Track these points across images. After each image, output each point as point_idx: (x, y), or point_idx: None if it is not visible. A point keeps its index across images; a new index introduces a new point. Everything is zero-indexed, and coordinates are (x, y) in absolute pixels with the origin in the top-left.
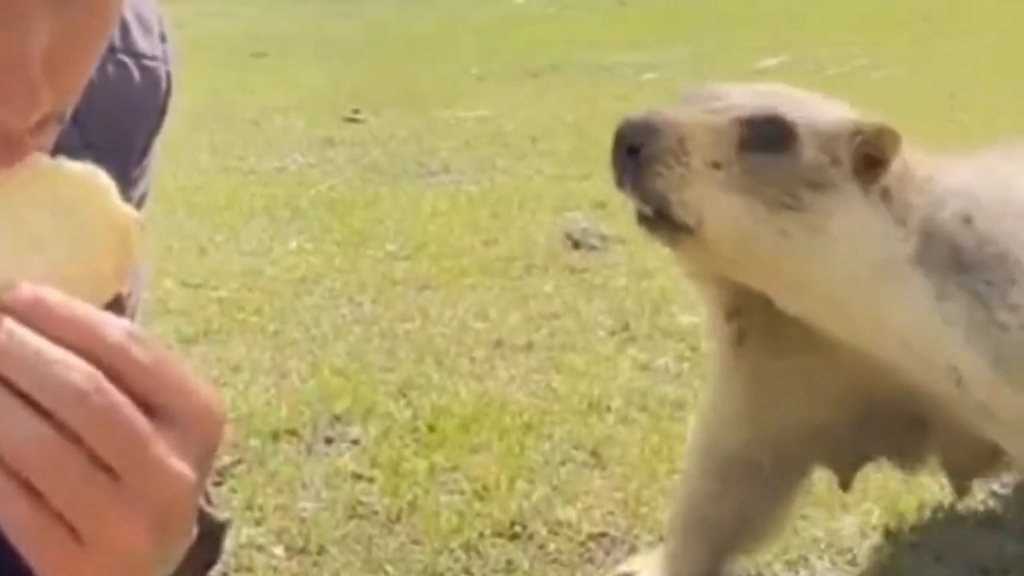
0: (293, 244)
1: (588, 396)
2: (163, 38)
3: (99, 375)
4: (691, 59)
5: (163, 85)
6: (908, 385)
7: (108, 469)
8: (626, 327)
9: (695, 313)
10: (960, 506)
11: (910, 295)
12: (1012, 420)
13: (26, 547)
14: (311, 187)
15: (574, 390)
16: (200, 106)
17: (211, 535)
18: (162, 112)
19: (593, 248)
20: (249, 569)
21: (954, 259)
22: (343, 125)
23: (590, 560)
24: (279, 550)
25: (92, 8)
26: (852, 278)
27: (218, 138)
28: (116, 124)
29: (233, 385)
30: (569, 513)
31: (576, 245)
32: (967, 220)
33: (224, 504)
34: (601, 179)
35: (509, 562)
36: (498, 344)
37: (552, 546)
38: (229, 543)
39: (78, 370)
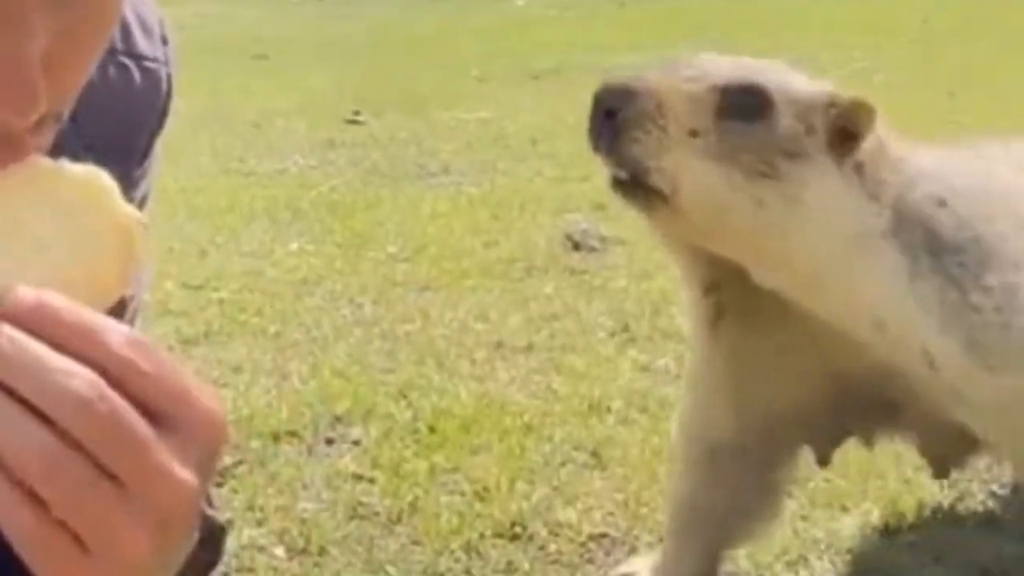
0: (294, 246)
1: (588, 397)
2: (164, 40)
3: (101, 382)
4: None
5: (164, 87)
6: (881, 364)
7: (111, 476)
8: (626, 328)
9: None
10: (959, 507)
11: (883, 270)
12: (983, 403)
13: (30, 555)
14: (312, 189)
15: (574, 391)
16: (201, 108)
17: (212, 537)
18: (163, 113)
19: (593, 250)
20: (250, 570)
21: (928, 240)
22: (344, 127)
23: (590, 561)
24: (280, 551)
25: (91, 10)
26: (826, 249)
27: (219, 140)
28: (117, 125)
29: (234, 386)
30: (569, 514)
31: (576, 247)
32: (941, 203)
33: (225, 505)
34: (601, 181)
35: (509, 563)
36: (499, 345)
37: (552, 547)
38: (230, 544)
39: (80, 377)
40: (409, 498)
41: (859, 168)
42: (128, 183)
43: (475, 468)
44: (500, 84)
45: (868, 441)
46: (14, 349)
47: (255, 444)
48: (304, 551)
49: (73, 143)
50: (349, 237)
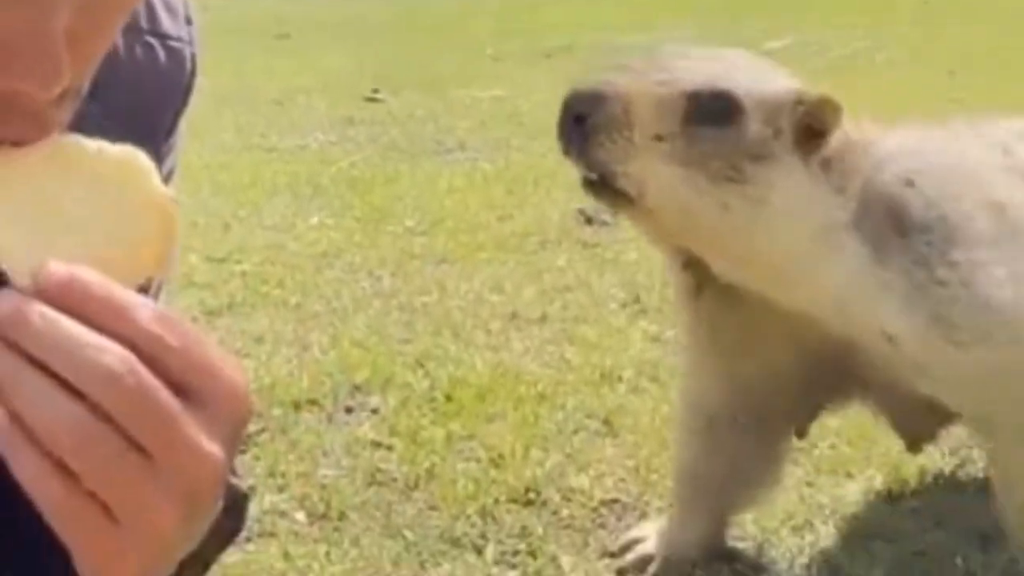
0: (315, 220)
1: (600, 367)
2: (188, 20)
3: (131, 357)
4: (699, 40)
5: (188, 66)
6: (846, 340)
7: (140, 449)
8: (637, 300)
9: None
10: (960, 473)
11: (847, 261)
12: (947, 376)
13: (60, 525)
14: (332, 165)
15: (587, 361)
16: (225, 87)
17: (236, 505)
18: (187, 92)
19: (605, 224)
20: (272, 534)
21: (894, 222)
22: (363, 105)
23: (602, 526)
24: (301, 516)
25: None
26: (790, 247)
27: (242, 118)
28: (143, 103)
29: (256, 356)
30: (582, 480)
31: (588, 221)
32: (909, 183)
33: (248, 471)
34: None
35: (524, 528)
36: (513, 317)
37: (565, 512)
38: (253, 509)
39: (110, 352)
40: (426, 465)
41: (826, 163)
42: (154, 159)
43: (490, 436)
44: (514, 63)
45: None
46: (45, 324)
47: (277, 412)
48: (324, 516)
49: (99, 120)
50: (368, 211)
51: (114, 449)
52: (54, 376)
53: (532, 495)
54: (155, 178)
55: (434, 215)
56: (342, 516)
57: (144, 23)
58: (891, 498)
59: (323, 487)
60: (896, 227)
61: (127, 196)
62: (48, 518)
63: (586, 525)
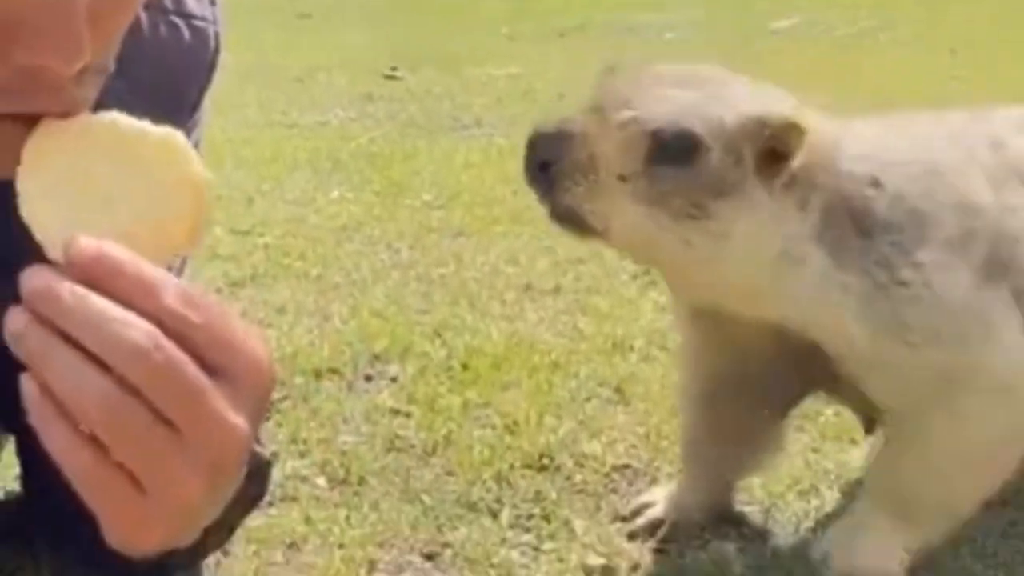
0: (335, 194)
1: (612, 336)
2: (212, 1)
3: (158, 332)
4: (709, 20)
5: (212, 44)
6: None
7: (167, 422)
8: (647, 271)
9: None
10: None
11: (810, 272)
12: (894, 375)
13: (89, 495)
14: (352, 141)
15: (599, 331)
16: (248, 65)
17: (259, 472)
18: (211, 69)
19: None
20: (294, 499)
21: (857, 224)
22: (382, 82)
23: (614, 490)
24: (322, 481)
25: None
26: (754, 272)
27: (264, 95)
28: (168, 79)
29: (278, 326)
30: (594, 446)
31: None
32: (875, 183)
33: (270, 438)
34: None
35: (538, 492)
36: (527, 288)
37: (578, 477)
38: (275, 474)
39: (138, 328)
40: (443, 431)
41: (789, 181)
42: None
43: (505, 403)
44: (528, 42)
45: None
46: (75, 300)
47: (298, 381)
48: (344, 481)
49: (124, 95)
50: (387, 186)
51: (142, 422)
52: (84, 351)
53: (546, 461)
54: (193, 159)
55: (451, 189)
56: (362, 481)
57: (169, 3)
58: None
59: (343, 453)
60: (858, 229)
61: (164, 175)
62: (77, 488)
63: (598, 490)
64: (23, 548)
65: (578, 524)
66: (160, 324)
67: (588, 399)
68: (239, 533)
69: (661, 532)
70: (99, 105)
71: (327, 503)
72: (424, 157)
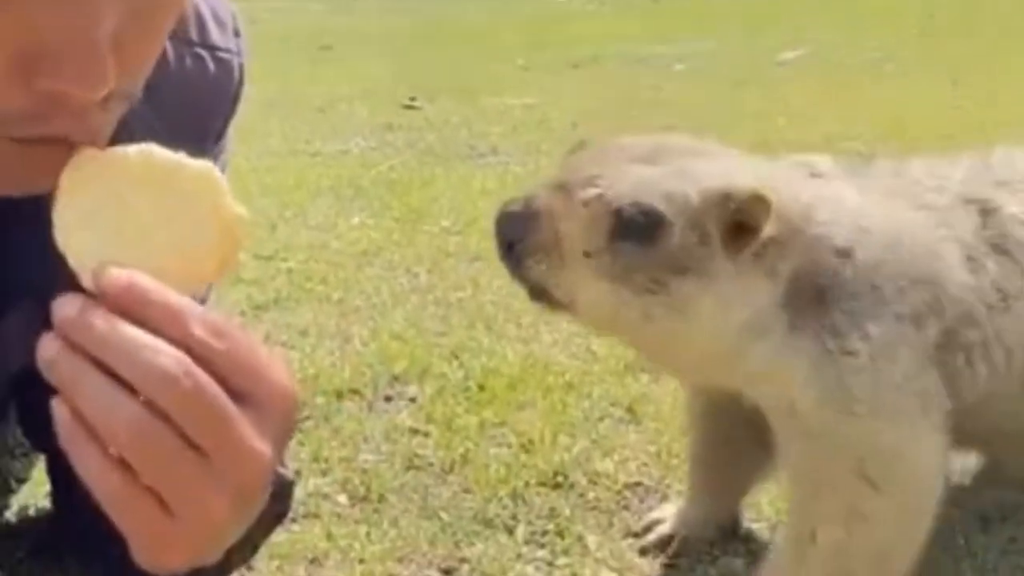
0: (356, 220)
1: (624, 358)
2: (237, 33)
3: (187, 359)
4: (718, 51)
5: (236, 75)
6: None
7: (195, 447)
8: None
9: None
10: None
11: (770, 340)
12: (832, 444)
13: (118, 516)
14: (372, 168)
15: (611, 352)
16: (271, 95)
17: (283, 491)
18: (235, 100)
19: None
20: (316, 515)
21: (817, 291)
22: (401, 112)
23: (626, 507)
24: (343, 498)
25: None
26: (714, 345)
27: (288, 124)
28: (193, 110)
29: (301, 348)
30: (607, 464)
31: None
32: (842, 252)
33: (293, 457)
34: None
35: (552, 509)
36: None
37: (591, 495)
38: (298, 492)
39: (167, 355)
40: (461, 450)
41: (759, 252)
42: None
43: (521, 422)
44: (543, 72)
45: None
46: (107, 328)
47: (320, 401)
48: (365, 498)
49: (151, 124)
50: (406, 212)
51: (170, 446)
52: (114, 377)
53: (560, 478)
54: (227, 194)
55: (468, 215)
56: (381, 498)
57: (195, 35)
58: None
59: (364, 471)
60: (818, 295)
61: (197, 208)
62: (106, 509)
63: (611, 507)
64: (54, 564)
65: (591, 540)
66: (188, 352)
67: (601, 419)
68: (262, 548)
69: (672, 548)
70: (127, 134)
71: (348, 520)
72: (442, 184)
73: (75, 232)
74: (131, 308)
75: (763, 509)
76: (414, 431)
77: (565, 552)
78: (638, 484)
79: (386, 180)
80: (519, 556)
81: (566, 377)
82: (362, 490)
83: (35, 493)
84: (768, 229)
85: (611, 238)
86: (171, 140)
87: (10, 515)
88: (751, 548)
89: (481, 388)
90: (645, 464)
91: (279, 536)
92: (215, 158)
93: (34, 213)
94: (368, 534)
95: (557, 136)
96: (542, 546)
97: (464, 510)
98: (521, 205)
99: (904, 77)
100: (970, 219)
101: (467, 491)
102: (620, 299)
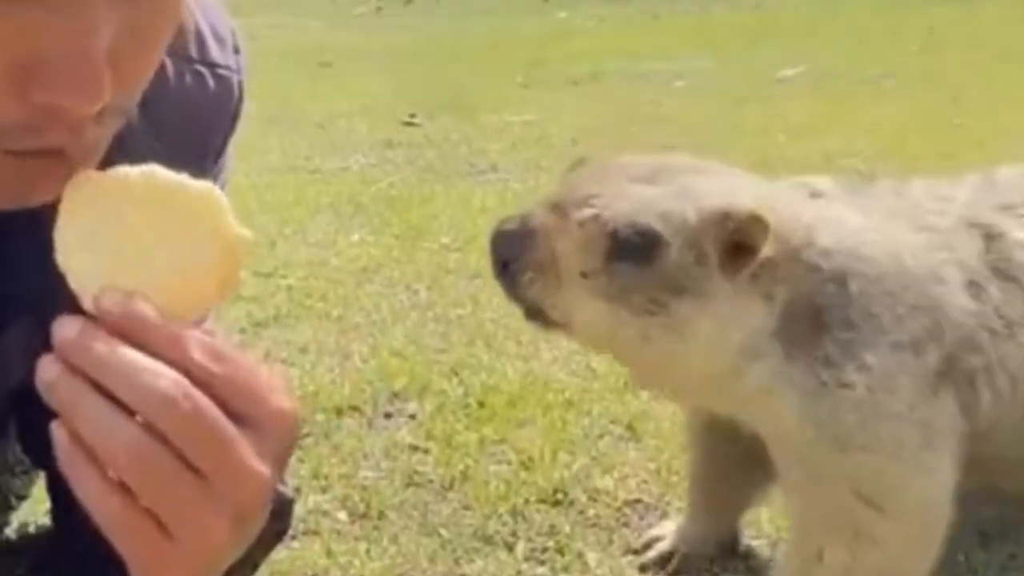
0: (355, 237)
1: (624, 375)
2: (236, 50)
3: (186, 382)
4: (718, 68)
5: (236, 92)
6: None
7: (194, 469)
8: None
9: None
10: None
11: (764, 366)
12: (821, 475)
13: (117, 539)
14: (372, 185)
15: (611, 370)
16: (271, 111)
17: (283, 509)
18: (235, 117)
19: None
20: (316, 532)
21: (814, 319)
22: (401, 129)
23: (626, 524)
24: (343, 515)
25: (155, 7)
26: (711, 367)
27: (287, 140)
28: (193, 127)
29: (300, 365)
30: (607, 482)
31: None
32: (838, 279)
33: (293, 474)
34: None
35: (552, 526)
36: None
37: (591, 512)
38: (298, 509)
39: (167, 377)
40: (460, 467)
41: (756, 273)
42: (204, 179)
43: (521, 440)
44: (543, 89)
45: None
46: (106, 351)
47: (320, 418)
48: (365, 515)
49: (153, 143)
50: (405, 229)
51: (170, 469)
52: (113, 399)
53: (560, 495)
54: (229, 216)
55: (468, 232)
56: (381, 515)
57: (194, 52)
58: None
59: (364, 488)
60: (814, 323)
61: (199, 229)
62: (105, 531)
63: (611, 524)
64: None
65: (591, 557)
66: (187, 375)
67: (601, 436)
68: (262, 566)
69: (672, 565)
70: (126, 151)
71: (348, 536)
72: (442, 201)
73: (76, 253)
74: (131, 331)
75: (763, 526)
76: (414, 448)
77: (565, 569)
78: (638, 501)
79: (386, 197)
80: (519, 573)
81: (566, 394)
82: (362, 507)
83: (35, 510)
84: (766, 250)
85: (607, 259)
86: (170, 158)
87: (10, 532)
88: (751, 565)
89: (481, 405)
90: (645, 481)
91: (279, 553)
92: (215, 176)
93: (30, 226)
94: (368, 551)
95: (557, 153)
96: (542, 563)
97: (464, 527)
98: (517, 224)
99: (904, 93)
100: (973, 243)
101: (467, 508)
102: (617, 319)
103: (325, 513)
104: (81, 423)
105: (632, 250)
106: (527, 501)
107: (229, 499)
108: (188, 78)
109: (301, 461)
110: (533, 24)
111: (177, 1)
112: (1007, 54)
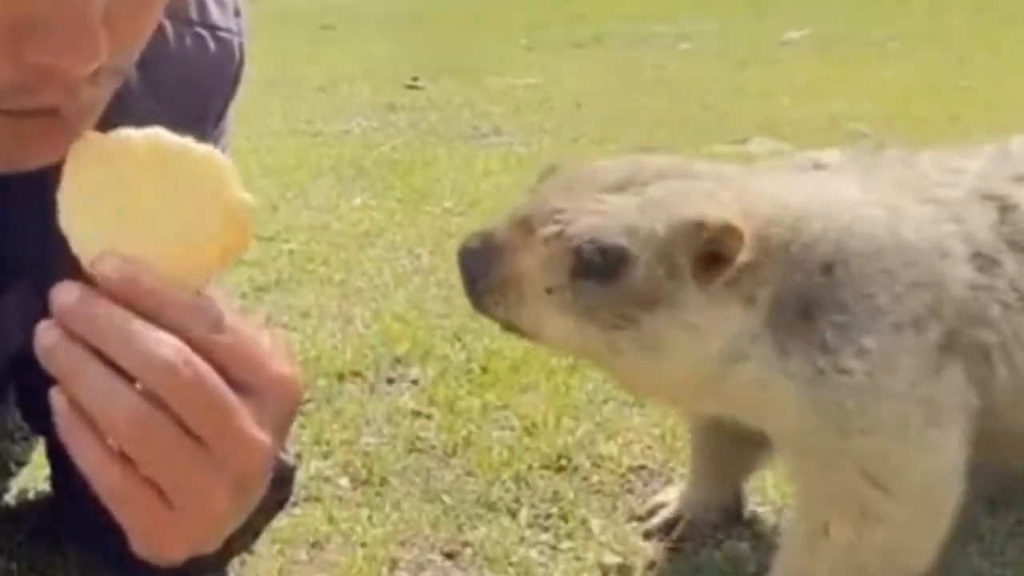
0: (357, 201)
1: None
2: (237, 13)
3: (187, 349)
4: (722, 31)
5: (237, 55)
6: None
7: (195, 437)
8: None
9: None
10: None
11: (753, 366)
12: (831, 467)
13: (117, 508)
14: (374, 149)
15: None
16: (272, 75)
17: (284, 477)
18: (236, 80)
19: None
20: (317, 499)
21: (803, 308)
22: (404, 92)
23: (630, 491)
24: (344, 481)
25: None
26: (690, 374)
27: (288, 104)
28: (194, 90)
29: (302, 330)
30: (611, 448)
31: None
32: (826, 270)
33: (294, 440)
34: (640, 142)
35: (556, 492)
36: None
37: (595, 478)
38: (299, 475)
39: (167, 344)
40: (463, 433)
41: (734, 279)
42: (205, 142)
43: (524, 405)
44: (546, 52)
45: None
46: (106, 317)
47: (322, 383)
48: (367, 482)
49: (152, 106)
50: (408, 193)
51: (170, 437)
52: (113, 366)
53: (564, 462)
54: (233, 180)
55: (471, 196)
56: (384, 482)
57: (195, 15)
58: None
59: (366, 454)
60: (804, 312)
61: (203, 194)
62: (105, 500)
63: (615, 490)
64: (53, 547)
65: (595, 523)
66: (188, 342)
67: (605, 401)
68: (264, 532)
69: (676, 531)
70: (126, 114)
71: (350, 503)
72: (444, 165)
73: (78, 216)
74: (131, 297)
75: (768, 493)
76: (416, 414)
77: (569, 535)
78: (642, 467)
79: (388, 161)
80: (522, 539)
81: (569, 359)
82: (364, 473)
83: (35, 476)
84: (743, 256)
85: (572, 276)
86: (170, 121)
87: (9, 498)
88: (756, 531)
89: (484, 370)
90: (649, 447)
91: (280, 520)
92: (215, 140)
93: (31, 190)
94: (370, 517)
95: (560, 116)
96: (546, 529)
97: (467, 493)
98: (480, 241)
99: (910, 56)
100: (987, 215)
101: (470, 474)
102: (585, 334)
103: (327, 479)
104: (80, 390)
105: (596, 267)
106: (530, 467)
107: (229, 467)
108: (188, 40)
109: (303, 427)
110: None
111: None
112: (1014, 16)
